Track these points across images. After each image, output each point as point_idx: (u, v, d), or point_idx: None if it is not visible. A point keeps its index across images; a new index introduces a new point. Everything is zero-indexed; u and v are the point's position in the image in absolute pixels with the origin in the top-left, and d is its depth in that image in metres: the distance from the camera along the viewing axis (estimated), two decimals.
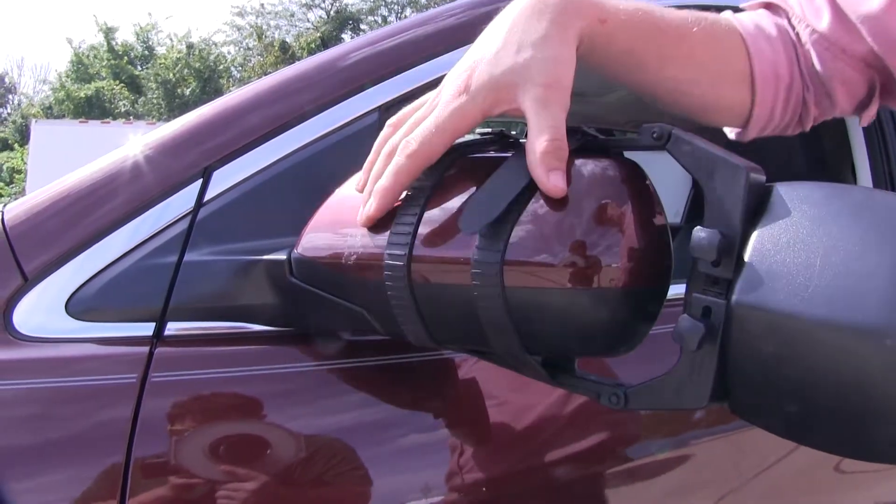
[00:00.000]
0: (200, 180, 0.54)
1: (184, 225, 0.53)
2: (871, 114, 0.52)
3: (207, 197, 0.54)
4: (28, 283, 0.50)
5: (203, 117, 0.57)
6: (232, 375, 0.51)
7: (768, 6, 0.53)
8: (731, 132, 0.56)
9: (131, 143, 0.58)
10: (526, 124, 0.41)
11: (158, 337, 0.51)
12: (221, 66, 19.60)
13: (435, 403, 0.56)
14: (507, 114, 0.42)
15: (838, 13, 0.49)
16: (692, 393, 0.36)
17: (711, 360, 0.35)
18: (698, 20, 0.48)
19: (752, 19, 0.52)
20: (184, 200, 0.53)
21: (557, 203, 0.38)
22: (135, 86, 18.98)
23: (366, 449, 0.51)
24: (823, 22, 0.49)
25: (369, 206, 0.43)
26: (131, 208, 0.53)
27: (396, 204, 0.43)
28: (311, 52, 18.41)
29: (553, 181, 0.38)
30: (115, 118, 15.03)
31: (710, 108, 0.51)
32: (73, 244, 0.51)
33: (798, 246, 0.32)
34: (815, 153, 1.17)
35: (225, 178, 0.55)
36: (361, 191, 0.45)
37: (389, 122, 0.46)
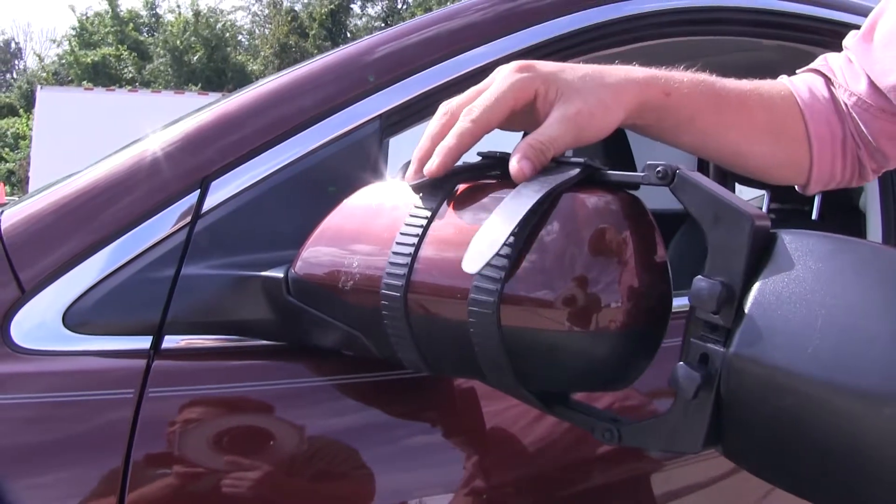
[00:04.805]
0: (198, 191, 0.54)
1: (181, 237, 0.52)
2: None
3: (205, 209, 0.53)
4: (25, 294, 0.50)
5: (200, 125, 0.57)
6: (230, 390, 0.51)
7: (818, 72, 0.57)
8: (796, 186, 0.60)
9: (128, 150, 0.57)
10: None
11: (156, 350, 0.51)
12: (228, 35, 19.39)
13: (431, 416, 0.56)
14: (536, 108, 0.45)
15: (872, 80, 0.53)
16: (686, 437, 0.36)
17: (707, 407, 0.35)
18: (756, 88, 0.53)
19: (805, 82, 0.56)
20: (181, 212, 0.53)
21: (557, 238, 0.38)
22: (141, 53, 18.80)
23: (364, 464, 0.51)
24: (861, 86, 0.54)
25: (431, 163, 0.44)
26: (129, 219, 0.52)
27: (400, 227, 0.42)
28: (321, 24, 18.15)
29: (520, 165, 0.41)
30: (120, 85, 14.93)
31: (770, 168, 0.55)
32: (71, 255, 0.51)
33: (800, 302, 0.32)
34: None
35: (223, 189, 0.54)
36: (421, 159, 0.46)
37: (444, 105, 0.48)
